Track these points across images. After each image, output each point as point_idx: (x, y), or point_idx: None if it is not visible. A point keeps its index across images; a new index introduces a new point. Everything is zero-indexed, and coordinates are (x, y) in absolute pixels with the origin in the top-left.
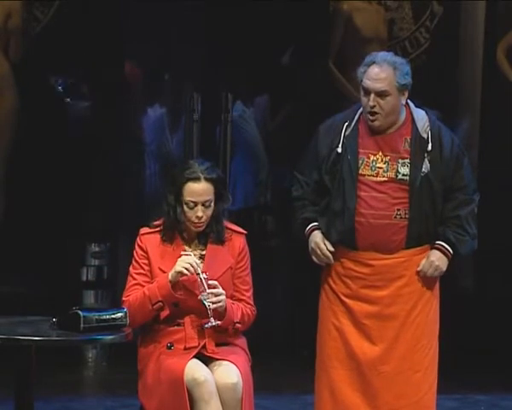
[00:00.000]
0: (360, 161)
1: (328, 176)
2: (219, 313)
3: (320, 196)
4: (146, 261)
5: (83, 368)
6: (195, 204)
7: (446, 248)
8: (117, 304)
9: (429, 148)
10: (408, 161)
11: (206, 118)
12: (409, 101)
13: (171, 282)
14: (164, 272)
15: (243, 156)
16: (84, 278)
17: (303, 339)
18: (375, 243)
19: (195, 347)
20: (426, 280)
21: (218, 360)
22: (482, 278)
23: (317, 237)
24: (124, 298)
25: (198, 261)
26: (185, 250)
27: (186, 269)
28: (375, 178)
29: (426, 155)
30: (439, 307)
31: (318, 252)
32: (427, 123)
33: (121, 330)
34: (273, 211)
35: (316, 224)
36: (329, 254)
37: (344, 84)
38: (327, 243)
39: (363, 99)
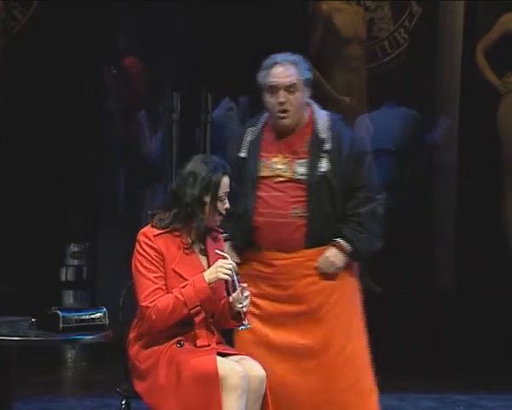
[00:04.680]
0: (261, 164)
1: (235, 182)
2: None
3: None
4: (162, 263)
5: (62, 368)
6: (226, 196)
7: (342, 245)
8: (96, 304)
9: (327, 147)
10: (305, 160)
11: (185, 118)
12: (312, 102)
13: (209, 285)
14: (177, 274)
15: (224, 154)
16: (64, 278)
17: None
18: (276, 243)
19: (206, 345)
20: (337, 280)
21: (230, 355)
22: (461, 278)
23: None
24: (147, 304)
25: (235, 264)
26: (189, 247)
27: (228, 275)
28: (274, 179)
29: (324, 154)
30: (359, 307)
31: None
32: (327, 123)
33: (100, 331)
34: None
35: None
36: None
37: (324, 85)
38: (232, 254)
39: (271, 100)
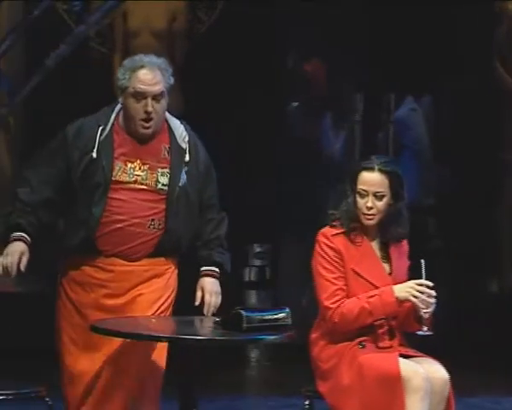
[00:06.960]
0: (117, 168)
1: (79, 182)
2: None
3: (49, 212)
4: (341, 263)
5: (245, 368)
6: (367, 193)
7: (216, 271)
8: (277, 304)
9: (187, 159)
10: (167, 170)
11: (368, 118)
12: None
13: (397, 300)
14: (357, 274)
15: (409, 155)
16: (247, 279)
17: None
18: (122, 250)
19: (388, 347)
20: (169, 289)
21: (412, 356)
22: None
23: (18, 247)
24: (329, 305)
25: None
26: (361, 244)
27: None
28: (133, 185)
29: (184, 165)
30: None
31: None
32: (185, 132)
33: (284, 331)
34: (435, 213)
35: (23, 235)
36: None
37: (509, 83)
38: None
39: (135, 106)
